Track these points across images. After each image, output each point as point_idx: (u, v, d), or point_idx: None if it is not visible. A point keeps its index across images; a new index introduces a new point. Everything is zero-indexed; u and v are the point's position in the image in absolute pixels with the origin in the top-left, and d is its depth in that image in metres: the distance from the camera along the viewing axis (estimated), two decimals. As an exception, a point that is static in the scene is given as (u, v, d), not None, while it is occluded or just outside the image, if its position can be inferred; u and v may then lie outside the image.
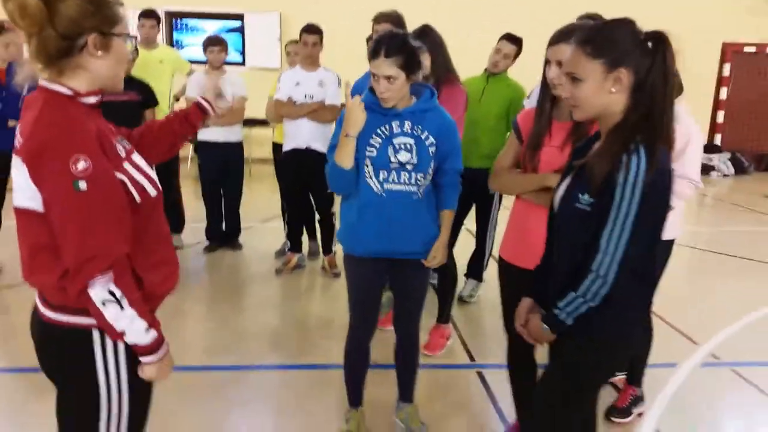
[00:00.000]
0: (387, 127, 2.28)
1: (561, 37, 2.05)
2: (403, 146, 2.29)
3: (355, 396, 2.63)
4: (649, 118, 1.53)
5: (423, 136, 2.31)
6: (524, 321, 1.73)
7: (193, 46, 9.40)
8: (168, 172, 5.05)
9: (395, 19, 3.90)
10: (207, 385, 3.07)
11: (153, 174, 1.47)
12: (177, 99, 5.21)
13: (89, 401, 1.41)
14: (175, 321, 3.91)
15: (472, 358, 3.45)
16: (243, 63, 9.81)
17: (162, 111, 4.88)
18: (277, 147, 4.83)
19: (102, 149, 1.30)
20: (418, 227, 2.36)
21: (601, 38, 1.55)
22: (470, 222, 4.02)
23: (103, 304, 1.29)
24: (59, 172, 1.24)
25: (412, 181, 2.30)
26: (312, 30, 4.38)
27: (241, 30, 9.93)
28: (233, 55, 9.89)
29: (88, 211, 1.26)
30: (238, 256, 5.10)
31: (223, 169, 4.93)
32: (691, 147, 2.60)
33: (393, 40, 2.22)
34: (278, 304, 4.25)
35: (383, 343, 2.88)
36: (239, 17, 9.89)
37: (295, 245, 4.75)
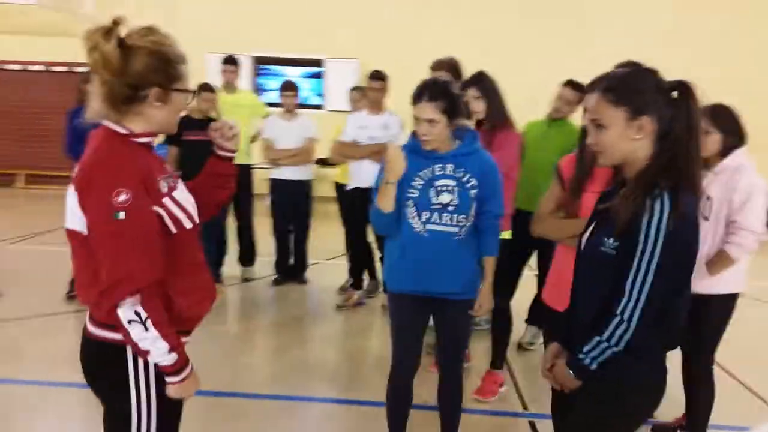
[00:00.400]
0: (429, 170, 2.36)
1: (592, 85, 2.08)
2: (444, 188, 2.35)
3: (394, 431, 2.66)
4: (673, 165, 1.53)
5: (464, 179, 2.37)
6: (550, 365, 1.73)
7: (275, 90, 9.96)
8: (243, 209, 5.38)
9: (451, 66, 4.03)
10: (260, 411, 3.19)
11: (191, 209, 1.62)
12: (253, 140, 5.53)
13: (122, 413, 1.54)
14: (240, 347, 4.12)
15: (525, 406, 3.37)
16: (322, 107, 10.24)
17: (240, 151, 5.17)
18: (339, 187, 5.02)
19: (144, 185, 1.46)
20: (458, 268, 2.40)
21: (623, 86, 1.58)
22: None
23: (129, 323, 1.43)
24: (102, 202, 1.40)
25: (454, 222, 2.36)
26: (377, 76, 4.57)
27: (321, 75, 10.40)
28: (314, 99, 10.41)
29: (122, 239, 1.41)
30: (304, 290, 5.28)
31: (293, 206, 5.16)
32: (755, 198, 2.52)
33: (435, 86, 2.33)
34: (336, 338, 4.35)
35: (433, 384, 2.88)
36: (319, 63, 10.39)
37: (356, 283, 4.87)
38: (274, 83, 10.34)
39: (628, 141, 1.57)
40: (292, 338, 4.27)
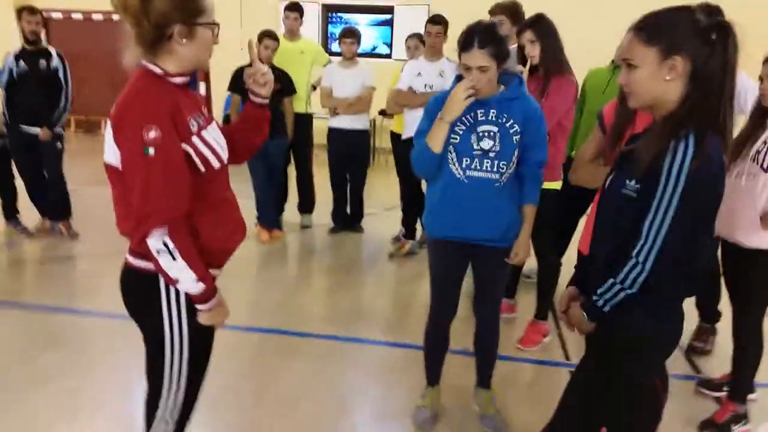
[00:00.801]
0: (472, 115, 2.31)
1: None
2: (486, 134, 2.31)
3: (432, 375, 2.73)
4: (703, 107, 1.45)
5: (508, 124, 2.31)
6: (565, 308, 1.71)
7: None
8: (302, 158, 5.49)
9: (511, 9, 3.88)
10: (310, 349, 3.34)
11: (220, 150, 1.68)
12: (314, 88, 5.57)
13: (156, 340, 1.66)
14: (295, 290, 4.29)
15: (567, 357, 3.36)
16: (390, 56, 10.13)
17: (300, 99, 5.29)
18: (395, 136, 5.00)
19: (173, 123, 1.53)
20: (497, 215, 2.38)
21: (656, 25, 1.49)
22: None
23: (158, 253, 1.52)
24: (134, 138, 1.48)
25: (495, 168, 2.32)
26: (436, 21, 4.47)
27: (390, 23, 10.24)
28: (382, 48, 10.31)
29: (152, 173, 1.49)
30: (359, 238, 5.38)
31: (349, 156, 5.21)
32: None
33: (484, 31, 2.24)
34: (386, 285, 4.43)
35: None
36: (389, 10, 10.21)
37: (409, 232, 4.91)
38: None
39: (660, 82, 1.49)
40: (344, 283, 4.40)
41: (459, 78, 2.36)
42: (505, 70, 2.39)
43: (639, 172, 1.48)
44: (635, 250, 1.47)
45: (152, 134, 1.48)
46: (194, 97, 1.70)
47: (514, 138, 2.32)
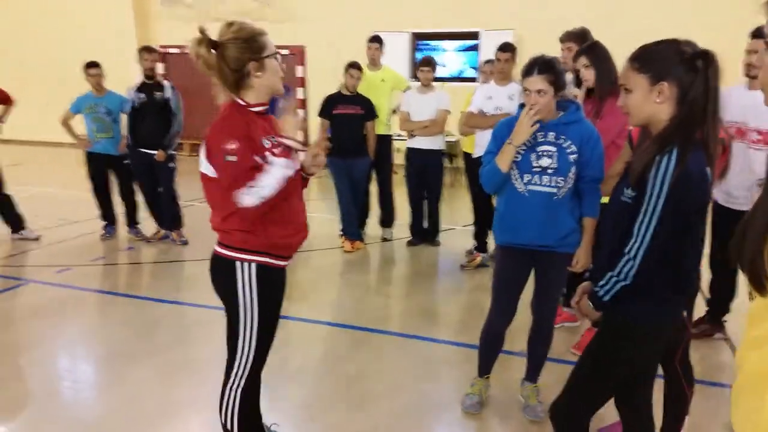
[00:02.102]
0: (532, 137, 2.60)
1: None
2: (544, 153, 2.61)
3: (483, 367, 3.03)
4: (687, 125, 1.70)
5: (565, 145, 2.60)
6: (578, 299, 1.97)
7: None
8: (383, 176, 5.93)
9: (579, 37, 4.11)
10: (379, 343, 3.73)
11: None
12: (394, 112, 6.02)
13: (234, 312, 2.10)
14: (371, 293, 4.70)
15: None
16: (476, 79, 10.44)
17: (381, 122, 5.75)
18: (467, 156, 5.32)
19: (249, 139, 1.97)
20: (554, 224, 2.65)
21: (647, 55, 1.77)
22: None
23: (258, 194, 1.92)
24: (219, 150, 1.94)
25: (552, 183, 2.61)
26: (505, 48, 4.77)
27: (476, 48, 10.57)
28: (468, 72, 10.65)
29: (232, 173, 1.93)
30: (435, 251, 5.73)
31: (425, 174, 5.58)
32: None
33: (544, 61, 2.58)
34: (456, 293, 4.74)
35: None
36: (475, 36, 10.56)
37: (480, 246, 5.19)
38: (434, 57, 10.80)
39: (651, 104, 1.76)
40: (417, 289, 4.77)
41: (523, 106, 2.68)
42: (563, 97, 2.71)
43: (631, 181, 1.75)
44: (627, 247, 1.74)
45: (231, 146, 1.93)
46: (271, 122, 2.15)
47: (571, 157, 2.60)
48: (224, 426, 2.19)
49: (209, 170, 2.02)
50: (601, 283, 1.82)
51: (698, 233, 1.76)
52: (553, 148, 2.60)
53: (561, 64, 2.66)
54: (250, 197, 1.93)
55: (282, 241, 2.11)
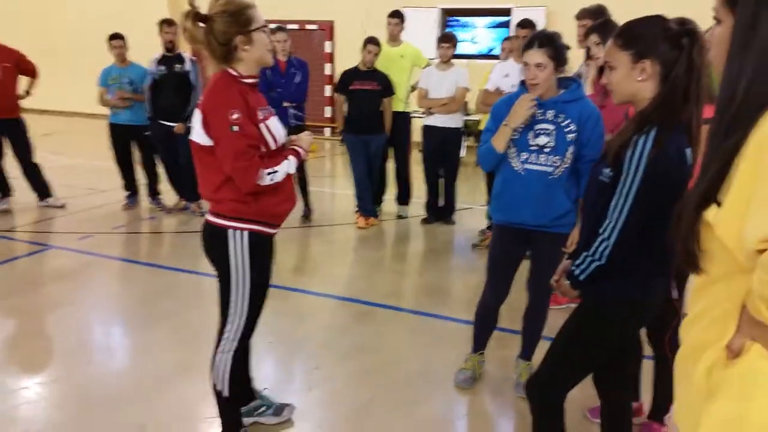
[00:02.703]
0: (531, 115, 2.57)
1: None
2: (542, 131, 2.58)
3: (476, 344, 3.06)
4: (668, 104, 1.67)
5: (563, 124, 2.57)
6: (558, 278, 1.98)
7: (463, 42, 10.16)
8: (400, 153, 5.94)
9: (594, 14, 4.03)
10: (383, 317, 3.78)
11: (278, 136, 2.15)
12: (413, 89, 5.99)
13: (226, 279, 2.17)
14: (382, 268, 4.75)
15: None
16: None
17: (398, 99, 5.73)
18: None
19: (248, 108, 2.02)
20: (549, 203, 2.63)
21: (630, 33, 1.74)
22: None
23: (271, 179, 2.04)
24: (223, 120, 1.98)
25: (549, 162, 2.59)
26: (525, 25, 4.70)
27: (507, 25, 10.39)
28: (498, 49, 10.48)
29: (238, 143, 1.98)
30: (450, 229, 5.74)
31: (441, 152, 5.57)
32: None
33: (544, 36, 2.56)
34: (466, 271, 4.75)
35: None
36: (507, 12, 10.36)
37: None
38: (463, 34, 10.65)
39: (633, 82, 1.74)
40: (428, 266, 4.81)
41: (523, 84, 2.65)
42: (565, 73, 2.66)
43: (608, 161, 1.74)
44: (602, 227, 1.73)
45: (235, 116, 1.98)
46: (260, 96, 2.19)
47: (569, 136, 2.56)
48: (214, 387, 2.28)
49: (203, 139, 2.06)
50: (577, 262, 1.82)
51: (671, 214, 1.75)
52: (551, 127, 2.57)
53: (561, 39, 2.61)
54: (263, 180, 2.03)
55: (273, 209, 2.16)
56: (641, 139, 1.66)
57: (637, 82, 1.73)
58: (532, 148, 2.59)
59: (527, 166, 2.62)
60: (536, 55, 2.50)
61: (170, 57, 5.67)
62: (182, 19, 1.99)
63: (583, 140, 2.57)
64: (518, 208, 2.66)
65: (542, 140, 2.58)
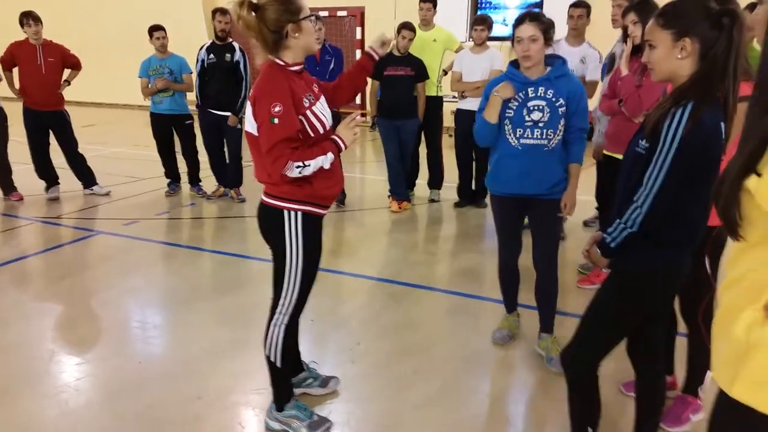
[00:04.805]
0: (523, 93, 2.78)
1: None
2: (535, 108, 2.77)
3: (508, 304, 3.27)
4: (706, 81, 1.72)
5: (554, 99, 2.76)
6: (589, 247, 2.05)
7: (495, 23, 10.07)
8: (433, 137, 6.00)
9: None
10: (414, 297, 3.88)
11: (325, 120, 2.25)
12: (446, 73, 6.02)
13: (280, 256, 2.29)
14: (414, 251, 4.83)
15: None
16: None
17: (431, 83, 5.78)
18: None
19: (292, 100, 2.12)
20: (546, 173, 2.83)
21: (672, 12, 1.79)
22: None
23: (300, 172, 2.13)
24: (264, 111, 2.09)
25: (543, 136, 2.79)
26: (579, 4, 4.68)
27: (540, 5, 10.28)
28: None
29: (273, 136, 2.09)
30: (481, 213, 5.79)
31: (471, 135, 5.59)
32: None
33: (534, 12, 2.79)
34: (496, 253, 4.79)
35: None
36: (540, -7, 10.25)
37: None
38: (494, 16, 10.58)
39: (673, 60, 1.79)
40: (461, 248, 4.89)
41: (513, 63, 2.85)
42: (551, 54, 2.86)
43: (645, 133, 1.80)
44: (636, 195, 1.80)
45: (276, 108, 2.08)
46: (307, 80, 2.29)
47: (560, 110, 2.77)
48: (268, 358, 2.41)
49: (254, 128, 2.17)
50: (609, 230, 1.89)
51: (709, 185, 1.80)
52: (543, 102, 2.77)
53: (546, 16, 2.81)
54: (291, 171, 2.12)
55: (324, 192, 2.28)
56: (678, 111, 1.72)
57: (676, 60, 1.78)
58: (527, 123, 2.78)
59: (523, 141, 2.81)
60: (529, 29, 2.70)
61: (220, 46, 5.74)
62: (235, 8, 2.09)
63: (571, 112, 2.80)
64: (518, 181, 2.85)
65: (536, 115, 2.78)
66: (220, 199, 6.16)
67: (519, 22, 2.74)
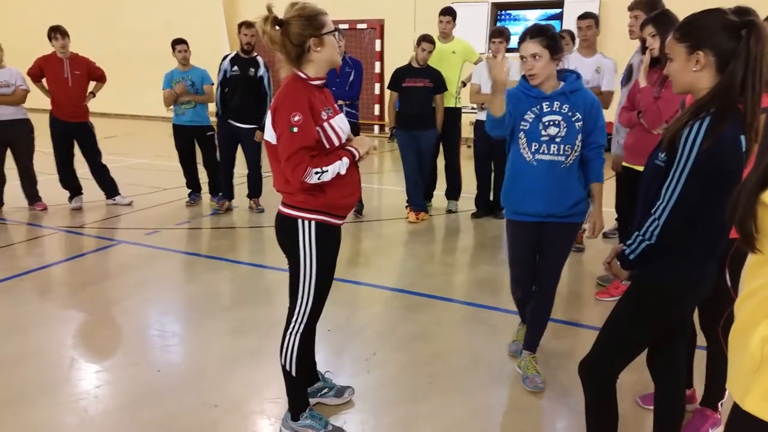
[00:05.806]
0: (538, 107, 2.68)
1: None
2: (551, 122, 2.67)
3: (523, 315, 3.20)
4: (724, 94, 1.71)
5: (570, 113, 2.66)
6: (609, 260, 2.03)
7: (514, 35, 10.09)
8: (451, 148, 6.01)
9: (647, 5, 4.01)
10: (430, 308, 3.87)
11: (342, 133, 2.28)
12: (464, 84, 6.04)
13: (295, 266, 2.31)
14: (430, 261, 4.83)
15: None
16: (556, 50, 10.18)
17: (450, 95, 5.81)
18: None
19: (311, 111, 2.15)
20: (564, 191, 2.72)
21: (687, 25, 1.79)
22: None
23: (319, 178, 2.15)
24: (284, 120, 2.12)
25: (560, 152, 2.67)
26: (586, 16, 4.69)
27: (560, 17, 10.28)
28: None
29: (293, 144, 2.11)
30: (498, 223, 5.77)
31: (492, 147, 5.59)
32: None
33: (536, 27, 2.68)
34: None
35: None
36: (559, 4, 10.26)
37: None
38: (513, 28, 10.59)
39: (689, 72, 1.79)
40: (479, 260, 4.88)
41: (524, 78, 2.73)
42: (564, 69, 2.78)
43: (664, 146, 1.79)
44: (654, 208, 1.79)
45: (296, 118, 2.11)
46: (327, 95, 2.33)
47: (576, 125, 2.67)
48: (283, 367, 2.43)
49: (273, 138, 2.21)
50: (629, 242, 1.88)
51: (727, 198, 1.78)
52: (559, 117, 2.66)
53: (554, 29, 2.72)
54: (310, 178, 2.14)
55: (339, 201, 2.29)
56: (696, 124, 1.71)
57: (692, 73, 1.78)
58: (543, 138, 2.67)
59: (539, 156, 2.70)
60: (530, 46, 2.61)
61: (245, 59, 5.80)
62: (261, 24, 2.14)
63: (589, 128, 2.69)
64: (532, 199, 2.73)
65: (552, 130, 2.67)
66: (240, 209, 6.21)
67: (521, 39, 2.65)
